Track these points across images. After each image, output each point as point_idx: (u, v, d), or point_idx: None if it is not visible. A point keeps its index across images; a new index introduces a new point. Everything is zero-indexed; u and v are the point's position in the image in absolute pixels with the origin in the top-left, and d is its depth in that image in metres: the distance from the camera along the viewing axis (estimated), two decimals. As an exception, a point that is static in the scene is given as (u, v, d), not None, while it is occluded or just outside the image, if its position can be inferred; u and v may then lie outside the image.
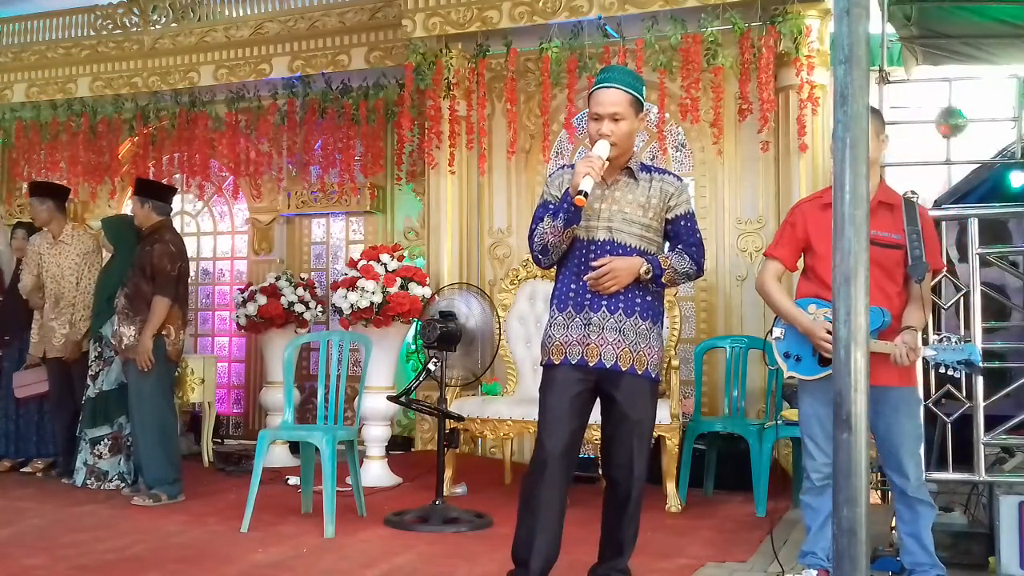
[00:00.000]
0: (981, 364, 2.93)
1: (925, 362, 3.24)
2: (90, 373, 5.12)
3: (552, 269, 3.00)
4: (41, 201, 5.53)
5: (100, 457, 5.05)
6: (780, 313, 3.15)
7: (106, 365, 5.08)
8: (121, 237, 5.25)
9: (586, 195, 2.67)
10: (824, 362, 3.02)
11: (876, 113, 3.07)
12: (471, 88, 6.16)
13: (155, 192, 5.12)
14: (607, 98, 2.80)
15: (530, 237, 2.91)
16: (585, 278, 2.79)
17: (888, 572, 3.32)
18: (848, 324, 1.49)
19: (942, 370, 3.01)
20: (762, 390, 5.37)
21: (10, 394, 5.67)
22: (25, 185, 7.83)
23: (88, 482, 5.03)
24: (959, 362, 2.89)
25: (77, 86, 7.37)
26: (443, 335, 4.30)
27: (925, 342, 3.03)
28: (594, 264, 2.78)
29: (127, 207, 7.53)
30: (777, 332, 3.16)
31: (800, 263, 3.25)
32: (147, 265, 4.77)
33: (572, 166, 2.82)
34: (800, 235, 3.14)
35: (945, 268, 3.30)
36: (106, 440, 5.06)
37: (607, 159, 2.75)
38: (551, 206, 2.86)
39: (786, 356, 3.13)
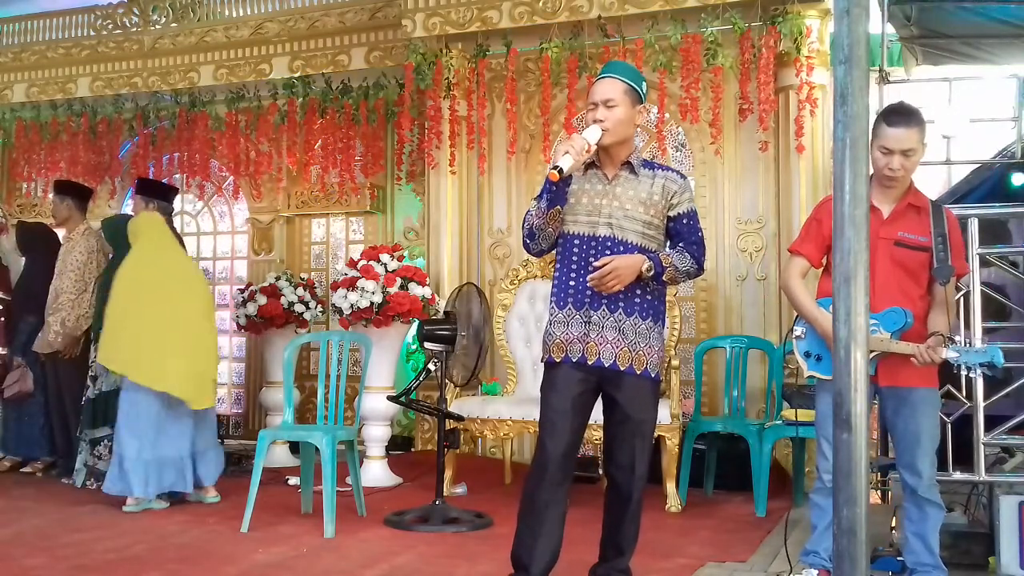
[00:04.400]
0: (1003, 363, 2.92)
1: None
2: (90, 374, 5.12)
3: (552, 269, 3.00)
4: (61, 199, 5.56)
5: (100, 458, 5.04)
6: (801, 313, 3.13)
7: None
8: (120, 238, 5.25)
9: (561, 172, 2.66)
10: None
11: (923, 122, 3.05)
12: (471, 88, 6.17)
13: (159, 192, 5.14)
14: (601, 86, 2.84)
15: (522, 226, 2.92)
16: (588, 278, 2.79)
17: (888, 572, 3.32)
18: (848, 324, 1.49)
19: (964, 371, 3.01)
20: (762, 390, 5.37)
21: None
22: (26, 192, 7.86)
23: (88, 483, 5.03)
24: (982, 364, 2.89)
25: (77, 86, 7.37)
26: (429, 336, 4.32)
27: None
28: (596, 264, 2.78)
29: (127, 206, 7.56)
30: (798, 331, 3.15)
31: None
32: None
33: None
34: (826, 232, 3.10)
35: (969, 272, 3.29)
36: (106, 441, 5.05)
37: (595, 144, 2.75)
38: None
39: (807, 355, 3.12)
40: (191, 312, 4.63)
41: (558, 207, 2.79)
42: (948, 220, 3.05)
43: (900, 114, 2.99)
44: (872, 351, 2.85)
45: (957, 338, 3.04)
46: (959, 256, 3.05)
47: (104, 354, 4.51)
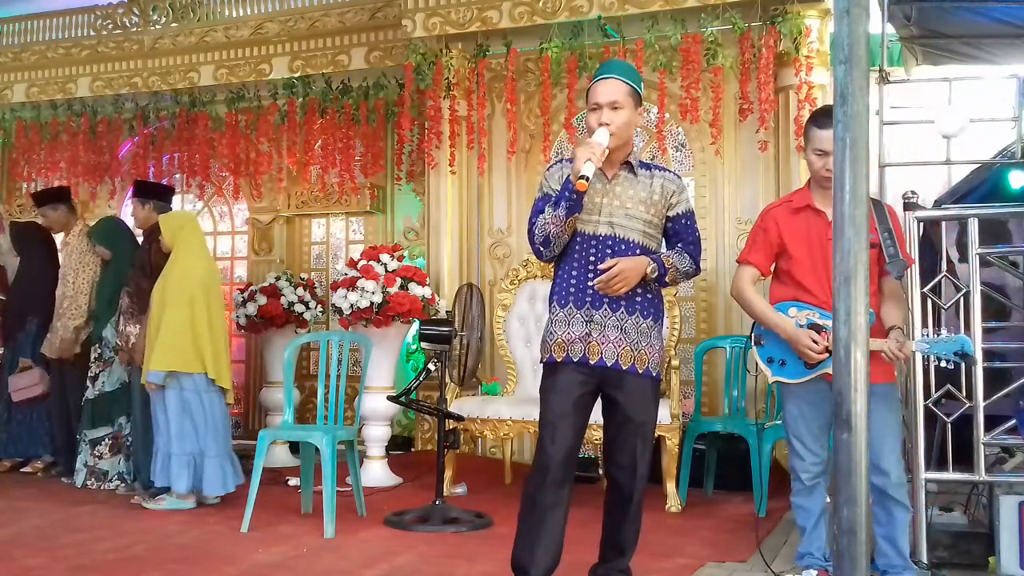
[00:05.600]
0: (974, 352, 2.93)
1: (924, 360, 3.25)
2: (90, 375, 5.12)
3: (552, 269, 2.99)
4: (54, 208, 5.57)
5: (100, 458, 5.05)
6: (760, 319, 3.15)
7: (106, 366, 5.08)
8: (115, 239, 5.28)
9: (587, 179, 2.65)
10: (810, 364, 3.04)
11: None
12: (471, 88, 6.16)
13: (155, 192, 5.16)
14: (605, 88, 2.81)
15: (530, 231, 2.88)
16: (594, 282, 2.78)
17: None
18: (848, 324, 1.49)
19: (934, 362, 3.02)
20: (762, 390, 5.35)
21: (4, 395, 5.66)
22: (26, 193, 7.85)
23: (88, 483, 5.03)
24: (955, 353, 2.90)
25: (77, 86, 7.37)
26: (428, 336, 4.33)
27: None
28: (601, 267, 2.77)
29: (127, 207, 7.56)
30: (756, 337, 3.18)
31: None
32: (147, 264, 4.79)
33: (570, 160, 2.80)
34: (773, 240, 3.16)
35: (915, 263, 3.32)
36: (106, 440, 5.06)
37: (607, 147, 2.74)
38: (551, 198, 2.84)
39: (770, 361, 3.14)
40: (223, 309, 4.77)
41: (576, 214, 2.79)
42: (890, 214, 3.10)
43: (828, 116, 3.01)
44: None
45: (922, 332, 3.06)
46: (903, 249, 3.09)
47: (178, 358, 4.45)
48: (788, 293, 3.13)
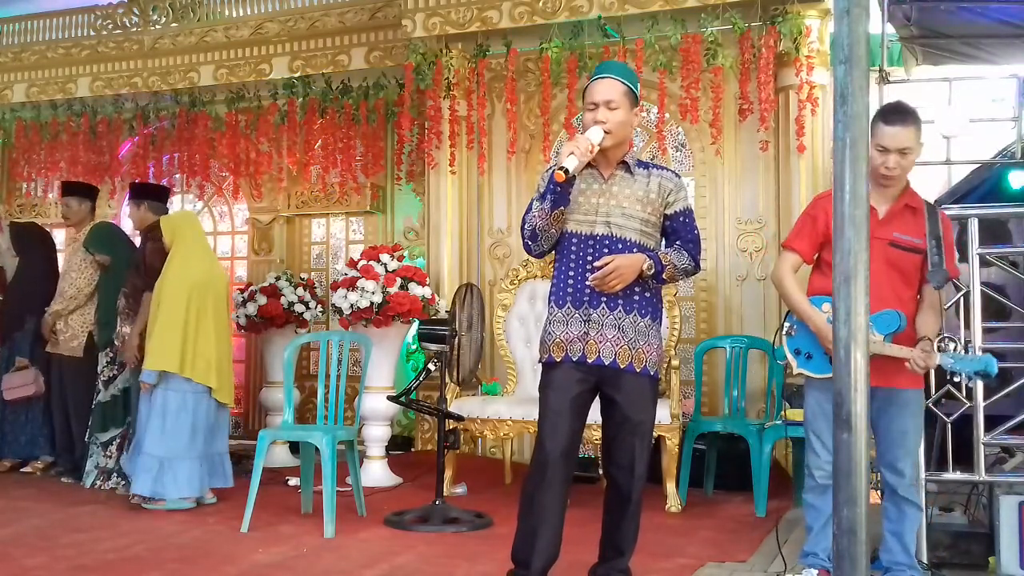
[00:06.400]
0: (996, 373, 2.92)
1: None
2: (103, 379, 5.12)
3: (552, 269, 3.00)
4: (80, 202, 5.59)
5: (111, 457, 5.06)
6: (794, 309, 3.13)
7: (121, 369, 5.08)
8: (111, 244, 5.29)
9: (567, 172, 2.65)
10: None
11: (919, 121, 3.05)
12: (471, 88, 6.17)
13: (150, 193, 5.16)
14: (601, 87, 2.83)
15: (521, 227, 2.90)
16: (590, 279, 2.79)
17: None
18: (848, 324, 1.49)
19: (957, 379, 3.01)
20: (762, 390, 5.37)
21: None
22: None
23: (96, 483, 5.04)
24: (977, 372, 2.90)
25: (77, 86, 7.38)
26: (428, 336, 4.34)
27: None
28: (597, 264, 2.78)
29: (127, 209, 7.57)
30: (788, 326, 3.16)
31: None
32: (141, 264, 4.80)
33: None
34: (821, 229, 3.11)
35: (959, 275, 3.30)
36: (117, 439, 5.07)
37: (598, 145, 2.74)
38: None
39: (796, 353, 3.12)
40: (225, 311, 4.73)
41: (562, 208, 2.79)
42: (943, 223, 3.06)
43: (897, 113, 2.99)
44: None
45: (952, 344, 3.05)
46: (951, 260, 3.06)
47: (167, 359, 4.43)
48: (826, 286, 3.10)
